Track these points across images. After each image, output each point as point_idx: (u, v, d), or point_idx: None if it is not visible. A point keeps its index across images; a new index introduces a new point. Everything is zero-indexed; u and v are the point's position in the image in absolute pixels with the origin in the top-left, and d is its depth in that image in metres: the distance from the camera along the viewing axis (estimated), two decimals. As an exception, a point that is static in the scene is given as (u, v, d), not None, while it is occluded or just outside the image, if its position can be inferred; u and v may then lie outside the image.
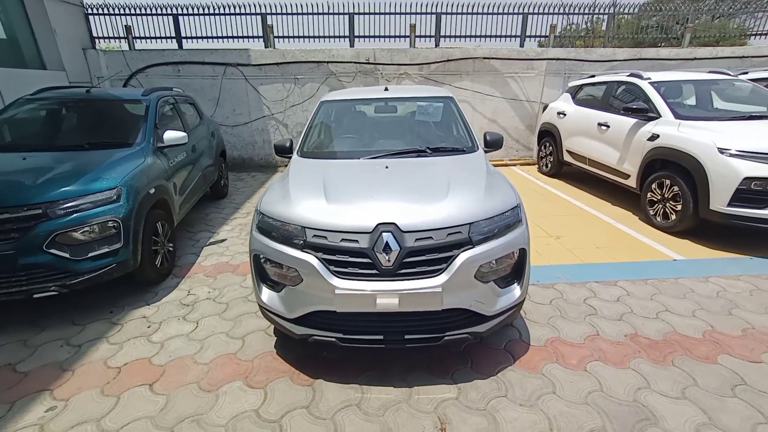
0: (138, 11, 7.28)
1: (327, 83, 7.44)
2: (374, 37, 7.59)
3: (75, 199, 2.65)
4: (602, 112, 5.42)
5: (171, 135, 3.64)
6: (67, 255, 2.58)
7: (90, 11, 7.24)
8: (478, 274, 1.97)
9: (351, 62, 7.32)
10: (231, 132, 7.67)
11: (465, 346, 2.43)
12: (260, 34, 7.49)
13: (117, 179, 2.87)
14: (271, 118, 7.61)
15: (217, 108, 7.53)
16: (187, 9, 7.30)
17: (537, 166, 7.32)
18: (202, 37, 7.51)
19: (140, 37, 7.49)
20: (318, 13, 7.42)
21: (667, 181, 4.19)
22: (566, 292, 3.07)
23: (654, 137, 4.37)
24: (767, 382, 2.10)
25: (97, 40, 7.42)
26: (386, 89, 3.41)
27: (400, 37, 7.55)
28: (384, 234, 1.92)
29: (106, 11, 7.26)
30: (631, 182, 4.79)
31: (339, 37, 7.54)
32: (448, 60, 7.36)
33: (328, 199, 2.12)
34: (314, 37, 7.53)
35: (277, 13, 7.37)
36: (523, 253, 2.13)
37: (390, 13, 7.47)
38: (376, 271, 1.91)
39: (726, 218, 3.62)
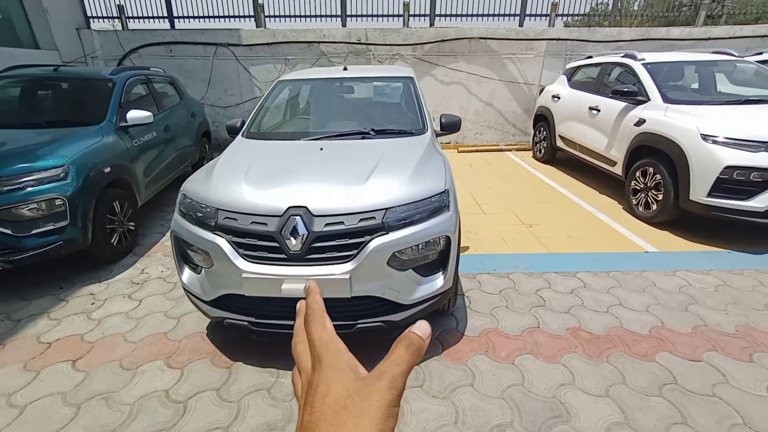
0: (130, -10, 7.24)
1: (318, 64, 7.29)
2: (367, 16, 7.36)
3: (19, 176, 2.66)
4: (594, 95, 5.13)
5: (135, 114, 3.62)
6: (9, 231, 2.61)
7: (83, -10, 7.24)
8: (393, 261, 1.89)
9: (342, 42, 7.14)
10: (223, 113, 7.66)
11: (396, 333, 2.37)
12: (251, 13, 7.36)
13: (65, 157, 2.87)
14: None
15: (209, 89, 7.50)
16: (177, -13, 7.22)
17: (532, 152, 7.06)
18: (194, 17, 7.44)
19: (134, 17, 7.47)
20: (309, -9, 7.22)
21: (651, 169, 3.95)
22: (521, 282, 2.95)
23: (641, 122, 4.11)
24: (699, 381, 1.97)
25: (91, 20, 7.43)
26: (345, 69, 3.28)
27: (393, 16, 7.31)
28: (293, 217, 1.85)
29: (98, -10, 7.25)
30: (618, 169, 4.55)
31: (331, 16, 7.35)
32: (443, 40, 7.09)
33: (246, 180, 2.06)
34: (306, 16, 7.36)
35: (267, -9, 7.21)
36: (448, 241, 2.03)
37: (383, -9, 7.21)
38: (284, 256, 1.85)
39: (706, 209, 3.40)
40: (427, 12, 7.22)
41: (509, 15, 7.28)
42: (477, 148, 7.54)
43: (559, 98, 5.96)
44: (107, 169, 3.18)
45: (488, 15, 7.33)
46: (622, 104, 4.49)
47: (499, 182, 5.51)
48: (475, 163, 6.60)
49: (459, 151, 7.50)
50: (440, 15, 7.26)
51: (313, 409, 0.30)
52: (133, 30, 7.33)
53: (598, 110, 4.90)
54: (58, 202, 2.77)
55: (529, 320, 2.50)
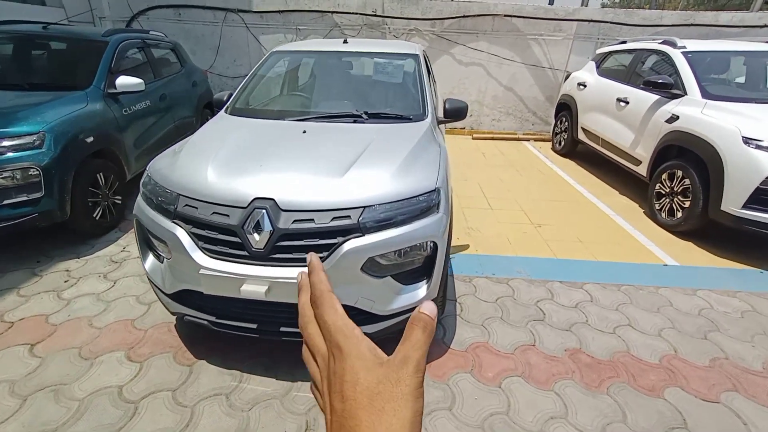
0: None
1: (330, 36, 6.91)
2: (386, -15, 6.87)
3: (-11, 142, 2.51)
4: (624, 85, 4.68)
5: (124, 81, 3.41)
6: (-22, 201, 2.48)
7: (92, -54, 6.93)
8: (369, 267, 1.67)
9: (357, 14, 6.72)
10: (231, 83, 7.37)
11: (376, 341, 2.17)
12: (263, -23, 6.95)
13: (41, 124, 2.70)
14: (271, 71, 7.24)
15: (218, 57, 7.23)
16: (187, -54, 6.85)
17: (551, 143, 6.63)
18: (204, -21, 7.07)
19: (142, -24, 7.15)
20: (325, -44, 6.75)
21: (679, 172, 3.58)
22: (520, 290, 2.70)
23: (673, 119, 3.70)
24: (714, 427, 1.72)
25: (100, -22, 7.16)
26: (345, 41, 2.97)
27: (413, -14, 6.79)
28: (258, 210, 1.63)
29: (107, -54, 6.93)
30: (642, 170, 4.16)
31: (347, -16, 6.88)
32: (464, 16, 6.60)
33: (212, 164, 1.83)
34: (320, -18, 6.90)
35: (280, -46, 6.78)
36: (435, 247, 1.79)
37: (404, -41, 6.69)
38: (246, 253, 1.64)
39: (738, 222, 3.05)
40: (450, -16, 6.69)
41: (539, -9, 6.69)
42: (493, 135, 7.14)
43: (585, 86, 5.49)
44: (90, 139, 3.00)
45: (516, -10, 6.76)
46: (654, 97, 4.05)
47: (512, 174, 5.17)
48: (488, 152, 6.24)
49: (473, 138, 7.12)
50: (464, -12, 6.72)
51: (345, 398, 0.31)
52: (141, -10, 7.04)
53: (627, 102, 4.47)
54: (32, 171, 2.61)
55: (525, 336, 2.26)
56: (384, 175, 1.77)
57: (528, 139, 7.10)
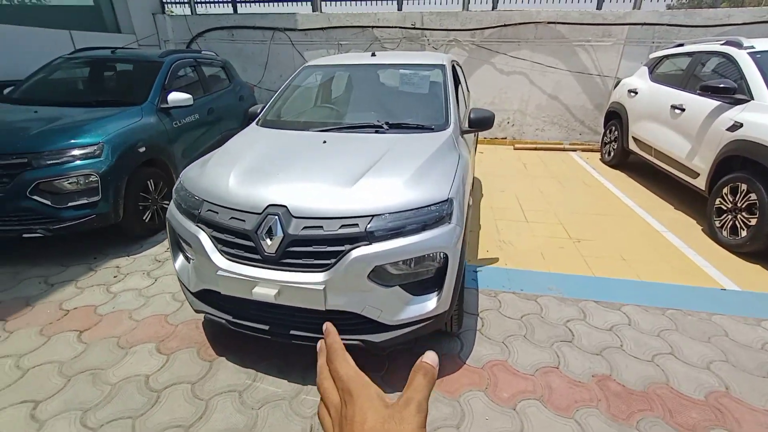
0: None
1: (371, 49, 7.06)
2: (426, -2, 6.95)
3: (61, 151, 2.85)
4: (680, 91, 4.31)
5: (175, 96, 3.74)
6: (48, 202, 2.81)
7: (162, -23, 7.74)
8: (376, 275, 1.67)
9: (396, 27, 6.85)
10: (278, 98, 7.80)
11: (390, 350, 2.15)
12: (309, -4, 7.33)
13: (102, 135, 3.02)
14: (315, 85, 7.56)
15: (266, 72, 7.68)
16: (242, -28, 7.41)
17: (600, 154, 6.25)
18: (255, 1, 7.61)
19: (202, 2, 7.84)
20: (368, -27, 6.99)
21: (743, 186, 3.21)
22: (550, 308, 2.55)
23: (736, 126, 3.34)
24: (765, 482, 1.49)
25: (166, 6, 7.95)
26: (373, 54, 3.04)
27: (454, -2, 6.81)
28: (270, 217, 1.70)
29: (174, -24, 7.70)
30: (700, 183, 3.79)
31: (387, -1, 7.06)
32: (505, 25, 6.47)
33: (235, 172, 1.94)
34: (362, 0, 7.15)
35: (326, -26, 7.11)
36: (446, 259, 1.75)
37: (446, -29, 6.74)
38: (259, 257, 1.71)
39: (815, 244, 2.66)
40: (492, -6, 6.61)
41: (587, -4, 6.40)
42: (536, 145, 6.87)
43: (636, 93, 5.13)
44: (142, 149, 3.30)
45: (562, -4, 6.52)
46: (713, 103, 3.69)
47: (553, 186, 4.93)
48: (530, 163, 6.01)
49: (515, 148, 6.91)
50: (506, -3, 6.61)
51: None
52: (200, 15, 7.70)
53: (683, 109, 4.11)
54: (92, 177, 2.92)
55: (548, 357, 2.12)
56: (395, 185, 1.78)
57: (575, 150, 6.74)
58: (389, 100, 2.77)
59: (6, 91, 3.82)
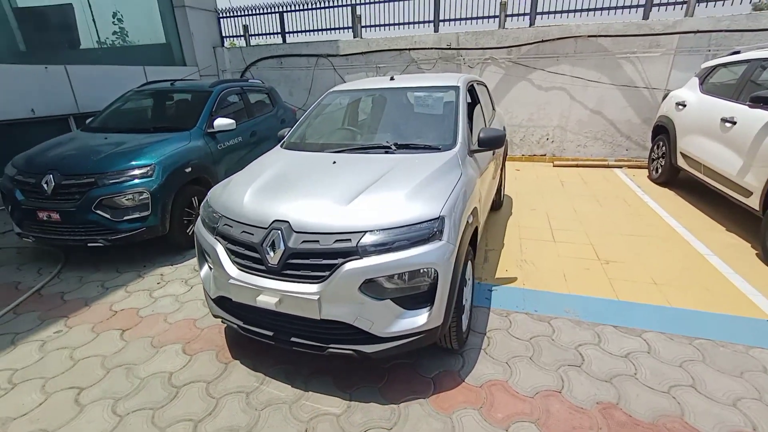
0: (254, 11, 8.38)
1: (408, 71, 7.33)
2: (461, 19, 7.09)
3: (119, 172, 3.31)
4: (731, 102, 3.99)
5: (220, 121, 4.17)
6: (108, 216, 3.26)
7: (222, 15, 8.64)
8: (367, 288, 1.77)
9: (432, 48, 7.03)
10: (320, 119, 8.27)
11: (391, 363, 2.21)
12: (350, 24, 7.78)
13: (154, 158, 3.46)
14: (354, 106, 7.93)
15: (309, 96, 8.20)
16: (290, 6, 8.06)
17: (647, 171, 5.87)
18: (302, 31, 8.22)
19: (255, 34, 8.61)
20: (404, -1, 7.29)
21: (800, 206, 2.89)
22: (562, 330, 2.46)
23: (790, 141, 3.04)
24: None
25: (225, 39, 8.83)
26: (392, 78, 3.20)
27: (489, 17, 6.87)
28: (274, 231, 1.87)
29: (232, 14, 8.56)
30: (753, 202, 3.45)
31: (424, 22, 7.29)
32: (543, 41, 6.40)
33: (250, 190, 2.16)
34: (399, 24, 7.45)
35: (365, 3, 7.52)
36: (437, 275, 1.80)
37: (480, -8, 6.84)
38: (264, 268, 1.89)
39: None
40: (527, 11, 6.59)
41: (631, 7, 6.16)
42: (577, 162, 6.62)
43: (684, 106, 4.81)
44: (188, 169, 3.71)
45: (603, 9, 6.33)
46: (767, 115, 3.38)
47: (590, 205, 4.72)
48: (569, 180, 5.79)
49: (554, 165, 6.70)
50: (543, 12, 6.55)
51: None
52: (253, 46, 8.46)
53: (734, 122, 3.79)
54: (143, 195, 3.34)
55: (552, 381, 2.06)
56: (388, 203, 1.88)
57: (620, 167, 6.39)
58: (402, 121, 2.90)
59: (87, 121, 4.49)
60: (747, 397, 1.92)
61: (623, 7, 6.16)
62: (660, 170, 5.36)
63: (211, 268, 2.27)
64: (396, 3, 7.36)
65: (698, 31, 5.71)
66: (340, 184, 2.08)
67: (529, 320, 2.58)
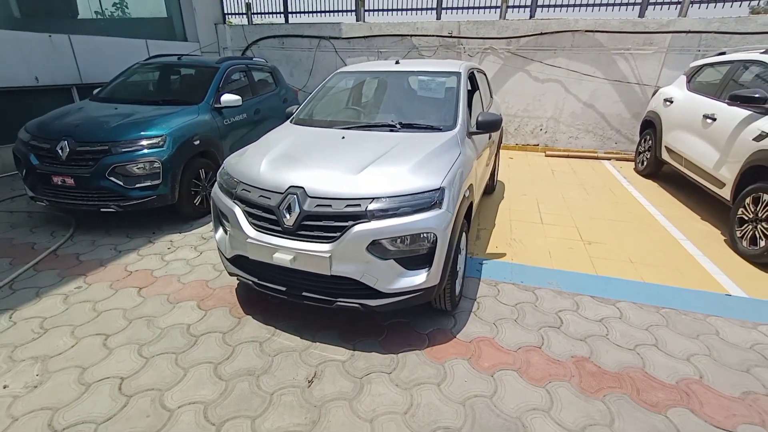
0: (257, -11, 8.35)
1: (409, 56, 7.44)
2: (463, 8, 7.21)
3: (134, 140, 3.44)
4: (712, 100, 4.25)
5: (227, 97, 4.29)
6: (121, 183, 3.40)
7: (224, -9, 8.60)
8: (374, 249, 1.98)
9: (434, 35, 7.15)
10: (319, 101, 8.35)
11: (390, 321, 2.45)
12: (353, 8, 7.82)
13: (166, 129, 3.59)
14: (354, 89, 8.04)
15: (310, 78, 8.27)
16: (294, -15, 8.06)
17: (633, 163, 6.14)
18: (305, 12, 8.24)
19: (258, 13, 8.60)
20: (409, -15, 7.36)
21: (766, 196, 3.17)
22: (545, 299, 2.73)
23: (762, 136, 3.30)
24: (711, 454, 1.62)
25: (227, 16, 8.80)
26: (397, 62, 3.37)
27: (490, 8, 7.01)
28: (291, 196, 2.07)
29: (235, -9, 8.52)
30: (725, 193, 3.73)
31: (427, 9, 7.40)
32: (542, 33, 6.56)
33: (266, 159, 2.34)
34: (402, 9, 7.54)
35: (369, -14, 7.57)
36: (435, 239, 2.03)
37: (483, -18, 6.94)
38: (279, 228, 2.09)
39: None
40: (528, 3, 6.73)
41: (628, 4, 6.34)
42: (568, 153, 6.86)
43: (671, 102, 5.06)
44: (197, 142, 3.86)
45: (601, 5, 6.51)
46: (744, 113, 3.64)
47: (577, 193, 4.98)
48: (559, 169, 6.05)
49: (546, 155, 6.94)
50: (543, 6, 6.71)
51: None
52: (255, 24, 8.46)
53: (714, 119, 4.05)
54: (155, 164, 3.49)
55: (533, 339, 2.32)
56: (394, 173, 2.08)
57: (608, 159, 6.66)
58: (407, 103, 3.09)
59: (95, 91, 4.57)
60: (699, 353, 2.21)
61: (621, 4, 6.35)
62: (645, 163, 5.64)
63: (227, 232, 2.46)
64: (400, -12, 7.42)
65: (690, 32, 5.94)
66: (349, 157, 2.27)
67: (516, 290, 2.84)
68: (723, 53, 4.75)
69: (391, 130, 2.70)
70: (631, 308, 2.62)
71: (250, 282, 2.30)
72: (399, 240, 1.99)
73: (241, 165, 2.40)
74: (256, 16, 8.60)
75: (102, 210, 3.47)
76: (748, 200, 3.36)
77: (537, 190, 5.05)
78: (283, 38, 8.18)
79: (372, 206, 1.97)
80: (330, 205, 2.01)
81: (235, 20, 9.01)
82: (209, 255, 3.30)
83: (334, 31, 7.76)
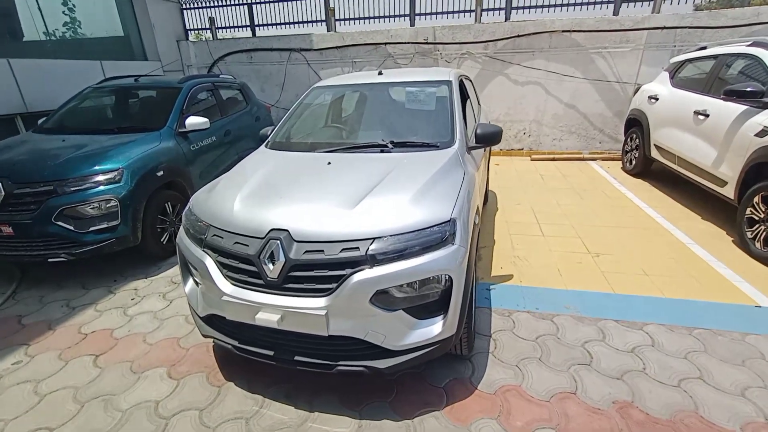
0: (220, 3, 7.94)
1: (384, 66, 7.18)
2: (437, 13, 7.02)
3: (82, 178, 2.98)
4: (703, 96, 4.14)
5: (192, 120, 3.87)
6: (71, 227, 2.93)
7: (185, 6, 8.13)
8: (379, 299, 1.64)
9: (409, 43, 6.92)
10: (294, 116, 7.97)
11: (398, 374, 2.10)
12: (323, 17, 7.53)
13: (122, 161, 3.15)
14: (329, 102, 7.71)
15: (283, 92, 7.89)
16: (259, -2, 7.71)
17: (621, 162, 6.05)
18: (272, 24, 7.88)
19: (222, 27, 8.18)
20: (379, -8, 7.13)
21: (776, 195, 3.01)
22: (566, 328, 2.44)
23: (765, 132, 3.17)
24: None
25: (189, 32, 8.33)
26: (380, 73, 3.06)
27: (465, 12, 6.85)
28: (272, 241, 1.70)
29: (196, 5, 8.08)
30: (728, 192, 3.59)
31: (399, 16, 7.17)
32: (519, 35, 6.44)
33: (240, 196, 1.97)
34: (375, 17, 7.29)
35: (338, -5, 7.30)
36: (450, 281, 1.70)
37: (456, -14, 6.78)
38: (262, 282, 1.72)
39: None
40: (503, 5, 6.61)
41: (602, 2, 6.30)
42: (554, 156, 6.73)
43: (657, 99, 4.97)
44: (160, 173, 3.42)
45: (576, 4, 6.45)
46: (740, 108, 3.52)
47: (572, 198, 4.79)
48: (548, 174, 5.88)
49: (532, 159, 6.79)
50: (518, 8, 6.60)
51: None
52: (220, 39, 8.03)
53: (706, 115, 3.93)
54: (112, 202, 3.04)
55: (565, 382, 2.02)
56: (396, 206, 1.76)
57: (594, 159, 6.56)
58: (395, 118, 2.78)
59: (40, 121, 4.06)
60: (753, 385, 1.96)
61: (595, 3, 6.30)
62: (634, 162, 5.53)
63: (198, 283, 2.06)
64: (370, -5, 7.18)
65: (665, 27, 5.92)
66: (340, 187, 1.93)
67: (532, 319, 2.54)
68: (704, 47, 4.69)
69: (382, 151, 2.38)
70: (660, 332, 2.36)
71: (229, 346, 1.91)
72: (406, 286, 1.66)
73: (211, 204, 2.02)
74: (220, 30, 8.17)
75: (50, 260, 2.98)
76: (756, 199, 3.21)
77: (530, 198, 4.83)
78: (251, 52, 7.78)
79: (373, 248, 1.63)
80: (322, 251, 1.65)
81: (193, 36, 8.55)
82: (180, 304, 2.87)
83: (304, 43, 7.43)
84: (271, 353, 1.82)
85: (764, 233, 3.13)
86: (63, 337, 2.55)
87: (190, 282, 2.15)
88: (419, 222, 1.70)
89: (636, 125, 5.45)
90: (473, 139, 2.54)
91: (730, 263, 3.13)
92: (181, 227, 2.14)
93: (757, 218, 3.20)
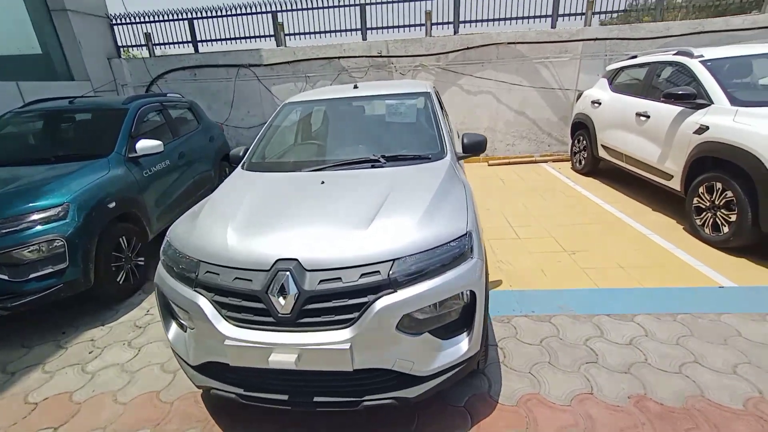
0: (157, 18, 7.42)
1: (339, 80, 7.12)
2: (388, 27, 7.12)
3: (18, 217, 2.55)
4: (642, 99, 4.56)
5: (144, 144, 3.51)
6: (5, 277, 2.49)
7: (114, 21, 7.49)
8: (403, 325, 1.53)
9: (362, 56, 6.93)
10: (246, 134, 7.62)
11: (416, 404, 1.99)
12: (272, 32, 7.32)
13: (66, 195, 2.75)
14: (284, 118, 7.46)
15: (232, 110, 7.51)
16: (201, 12, 7.31)
17: (570, 163, 6.48)
18: (217, 40, 7.51)
19: (160, 44, 7.64)
20: (328, 7, 7.08)
21: (719, 185, 3.36)
22: (565, 328, 2.49)
23: (702, 129, 3.53)
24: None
25: (122, 49, 7.68)
26: (355, 87, 2.99)
27: (415, 26, 7.01)
28: (281, 273, 1.54)
29: (129, 20, 7.47)
30: (675, 184, 3.95)
31: (351, 30, 7.17)
32: (468, 48, 6.71)
33: (233, 226, 1.77)
34: (325, 32, 7.22)
35: (287, 10, 7.15)
36: (473, 297, 1.64)
37: (404, 0, 6.94)
38: (273, 320, 1.54)
39: (797, 234, 2.79)
40: (451, 19, 6.87)
41: (540, 16, 6.78)
42: (509, 160, 7.04)
43: (600, 104, 5.39)
44: (112, 205, 3.03)
45: (517, 18, 6.87)
46: (677, 109, 3.91)
47: (535, 199, 5.00)
48: (507, 178, 6.12)
49: (489, 165, 7.04)
50: (465, 21, 6.90)
51: None
52: (159, 56, 7.49)
53: (647, 116, 4.33)
54: (57, 243, 2.63)
55: (580, 383, 2.03)
56: (411, 223, 1.67)
57: (546, 161, 6.96)
58: (379, 132, 2.71)
59: (-53, 154, 3.44)
60: (740, 362, 2.11)
61: (535, 17, 6.76)
62: (583, 162, 5.94)
63: (183, 328, 1.81)
64: (320, 11, 7.11)
65: (596, 39, 6.50)
66: (345, 207, 1.81)
67: (531, 323, 2.56)
68: (635, 56, 5.20)
69: (373, 166, 2.29)
70: (649, 321, 2.49)
71: (233, 395, 1.68)
72: (432, 307, 1.57)
73: (197, 236, 1.79)
74: (158, 47, 7.62)
75: (-21, 318, 2.49)
76: (701, 189, 3.55)
77: (497, 203, 4.98)
78: (194, 69, 7.33)
79: (395, 270, 1.53)
80: (339, 278, 1.52)
81: (134, 53, 7.90)
82: (152, 350, 2.53)
83: (253, 58, 7.15)
84: (285, 398, 1.63)
85: (711, 219, 3.46)
86: (4, 411, 2.11)
87: (174, 327, 1.89)
88: (438, 238, 1.62)
89: (582, 128, 5.87)
90: (461, 149, 2.54)
91: (688, 249, 3.42)
92: (160, 265, 1.88)
93: (703, 206, 3.54)
